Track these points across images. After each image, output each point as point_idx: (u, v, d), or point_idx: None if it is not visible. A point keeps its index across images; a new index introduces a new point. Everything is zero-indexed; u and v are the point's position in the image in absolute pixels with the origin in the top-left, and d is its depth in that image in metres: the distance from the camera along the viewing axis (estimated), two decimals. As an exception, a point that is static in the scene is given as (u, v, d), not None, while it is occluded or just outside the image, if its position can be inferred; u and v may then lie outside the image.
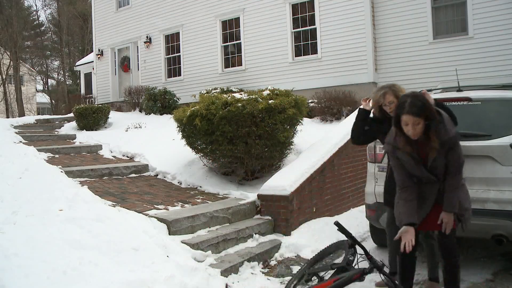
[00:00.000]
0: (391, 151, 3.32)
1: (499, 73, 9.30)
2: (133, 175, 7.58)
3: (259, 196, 5.94)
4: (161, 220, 5.04)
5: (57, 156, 8.40)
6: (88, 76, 21.00)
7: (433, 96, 4.76)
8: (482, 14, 9.79)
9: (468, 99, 4.43)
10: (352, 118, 8.15)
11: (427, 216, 3.34)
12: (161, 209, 5.49)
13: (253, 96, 6.66)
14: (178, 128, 7.33)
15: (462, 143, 4.19)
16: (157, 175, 7.72)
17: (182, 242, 4.65)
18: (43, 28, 37.96)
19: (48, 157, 8.06)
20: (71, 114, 13.42)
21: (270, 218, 5.74)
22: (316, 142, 7.10)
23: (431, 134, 3.08)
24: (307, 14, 11.96)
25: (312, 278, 3.57)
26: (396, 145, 3.22)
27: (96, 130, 12.13)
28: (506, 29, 9.52)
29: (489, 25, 9.70)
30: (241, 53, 13.26)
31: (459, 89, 4.74)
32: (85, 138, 10.67)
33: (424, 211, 3.31)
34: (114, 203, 5.56)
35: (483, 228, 4.09)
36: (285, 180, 5.89)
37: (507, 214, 3.95)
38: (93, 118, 12.17)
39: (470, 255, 4.93)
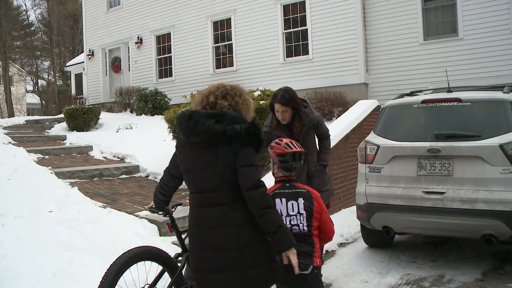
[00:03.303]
0: (269, 131, 3.92)
1: (488, 74, 9.36)
2: (124, 176, 7.54)
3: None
4: (151, 221, 5.02)
5: (47, 157, 8.34)
6: (79, 77, 20.84)
7: (424, 96, 4.81)
8: (471, 16, 9.85)
9: (458, 100, 4.47)
10: (343, 118, 8.18)
11: None
12: (152, 210, 5.46)
13: (245, 97, 6.64)
14: (169, 129, 7.31)
15: (451, 143, 4.26)
16: (148, 176, 7.69)
17: (173, 243, 4.64)
18: (33, 28, 37.55)
19: (38, 158, 7.99)
20: (62, 115, 13.32)
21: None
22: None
23: (295, 120, 3.86)
24: (299, 15, 11.96)
25: None
26: (272, 126, 3.95)
27: (86, 131, 12.05)
28: (495, 30, 9.58)
29: (478, 26, 9.75)
30: (232, 53, 13.22)
31: (449, 90, 4.78)
32: (75, 139, 10.59)
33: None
34: (105, 204, 5.54)
35: (473, 228, 4.12)
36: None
37: (497, 214, 3.98)
38: (84, 119, 12.09)
39: (460, 255, 4.96)
